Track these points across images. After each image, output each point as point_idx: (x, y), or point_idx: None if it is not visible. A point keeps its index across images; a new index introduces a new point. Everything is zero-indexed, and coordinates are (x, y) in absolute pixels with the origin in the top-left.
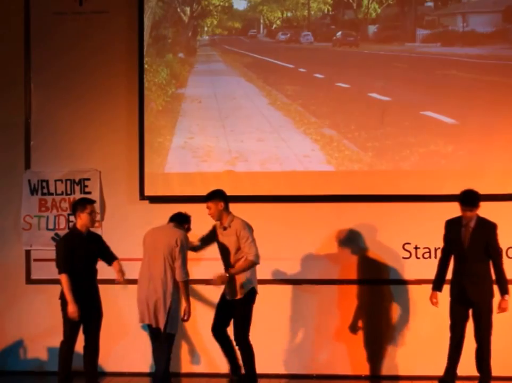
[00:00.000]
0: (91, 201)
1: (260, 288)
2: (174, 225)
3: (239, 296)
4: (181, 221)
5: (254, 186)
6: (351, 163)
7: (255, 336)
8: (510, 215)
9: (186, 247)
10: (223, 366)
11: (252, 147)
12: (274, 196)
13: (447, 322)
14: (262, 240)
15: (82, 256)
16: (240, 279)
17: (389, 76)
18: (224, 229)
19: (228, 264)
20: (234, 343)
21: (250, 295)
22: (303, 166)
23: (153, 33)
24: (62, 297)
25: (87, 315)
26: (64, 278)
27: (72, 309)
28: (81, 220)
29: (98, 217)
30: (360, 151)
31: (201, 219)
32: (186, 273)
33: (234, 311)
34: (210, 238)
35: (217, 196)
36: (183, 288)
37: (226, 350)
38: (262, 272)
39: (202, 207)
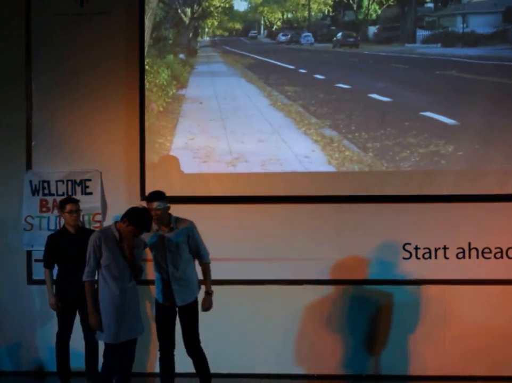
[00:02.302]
0: (72, 200)
1: (260, 288)
2: (113, 223)
3: (191, 300)
4: (121, 217)
5: (254, 187)
6: (351, 164)
7: (256, 336)
8: (510, 216)
9: (92, 246)
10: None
11: (253, 147)
12: (275, 196)
13: (447, 322)
14: (262, 240)
15: (68, 253)
16: (193, 281)
17: (390, 77)
18: (171, 229)
19: (170, 267)
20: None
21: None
22: (303, 166)
23: (154, 34)
24: (56, 292)
25: (80, 311)
26: (45, 273)
27: (50, 301)
28: (64, 219)
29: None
30: (361, 151)
31: (203, 220)
32: (87, 273)
33: (185, 316)
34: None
35: (165, 197)
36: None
37: (171, 376)
38: (262, 272)
39: (203, 207)
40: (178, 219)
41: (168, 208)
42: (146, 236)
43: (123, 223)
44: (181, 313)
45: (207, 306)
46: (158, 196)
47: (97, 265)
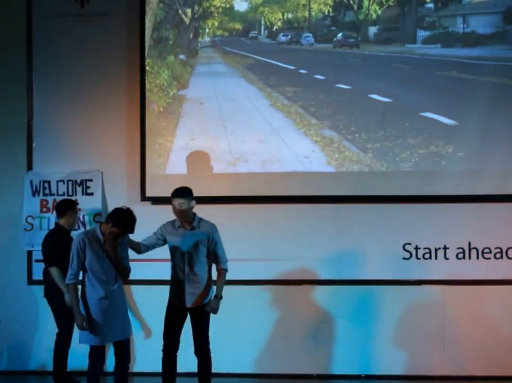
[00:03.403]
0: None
1: (260, 289)
2: (98, 225)
3: (204, 302)
4: (105, 218)
5: (254, 187)
6: (351, 164)
7: (256, 336)
8: (509, 216)
9: (76, 249)
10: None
11: (253, 148)
12: (275, 196)
13: (447, 322)
14: (262, 240)
15: (67, 253)
16: (207, 284)
17: (390, 77)
18: (192, 228)
19: (186, 267)
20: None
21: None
22: (303, 167)
23: (154, 34)
24: (51, 292)
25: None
26: (54, 270)
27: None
28: (72, 219)
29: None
30: (360, 152)
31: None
32: (70, 276)
33: (196, 319)
34: (159, 239)
35: (191, 193)
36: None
37: (172, 376)
38: (262, 272)
39: (202, 207)
40: (201, 220)
41: (194, 204)
42: (168, 233)
43: (107, 224)
44: (192, 314)
45: (213, 308)
46: (182, 192)
47: (80, 267)
